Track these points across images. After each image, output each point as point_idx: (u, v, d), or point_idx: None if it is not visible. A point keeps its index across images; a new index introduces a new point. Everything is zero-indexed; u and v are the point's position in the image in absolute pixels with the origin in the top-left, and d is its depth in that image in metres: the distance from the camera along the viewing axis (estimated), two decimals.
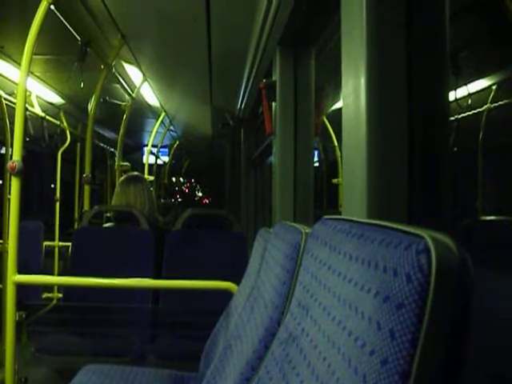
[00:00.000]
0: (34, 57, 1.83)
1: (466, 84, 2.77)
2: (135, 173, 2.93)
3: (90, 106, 3.08)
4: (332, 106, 3.23)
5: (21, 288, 1.81)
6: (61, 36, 2.44)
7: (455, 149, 3.70)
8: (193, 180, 12.43)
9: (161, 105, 4.54)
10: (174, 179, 11.12)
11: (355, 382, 0.48)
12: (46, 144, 4.09)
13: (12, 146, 1.84)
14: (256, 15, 1.98)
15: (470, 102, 2.91)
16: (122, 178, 2.79)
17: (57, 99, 3.99)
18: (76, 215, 4.66)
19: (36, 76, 3.39)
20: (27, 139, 3.56)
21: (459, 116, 3.40)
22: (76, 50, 2.51)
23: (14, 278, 1.76)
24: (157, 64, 3.26)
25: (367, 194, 0.87)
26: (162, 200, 2.90)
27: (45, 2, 1.82)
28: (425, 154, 0.91)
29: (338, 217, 0.76)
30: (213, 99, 3.83)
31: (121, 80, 3.47)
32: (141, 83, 3.51)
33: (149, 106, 4.56)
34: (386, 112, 0.89)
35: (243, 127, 4.19)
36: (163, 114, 4.89)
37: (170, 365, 1.92)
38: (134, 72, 3.37)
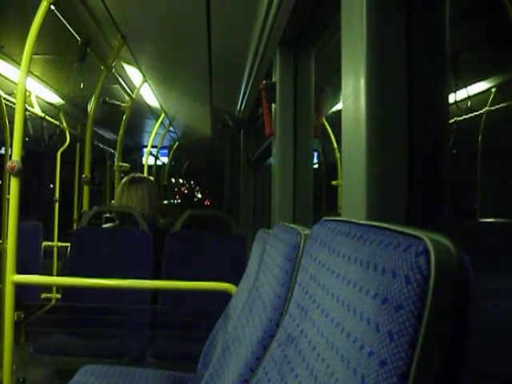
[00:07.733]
0: (33, 57, 1.83)
1: (465, 86, 2.78)
2: (138, 174, 2.94)
3: (90, 106, 3.07)
4: (332, 107, 3.23)
5: (19, 288, 1.81)
6: (61, 36, 2.44)
7: (454, 151, 3.71)
8: (192, 181, 12.42)
9: (161, 106, 4.54)
10: (173, 180, 11.10)
11: None
12: (46, 144, 4.08)
13: (11, 146, 1.84)
14: (256, 16, 1.98)
15: (469, 104, 2.92)
16: (125, 179, 2.80)
17: (56, 99, 3.98)
18: (75, 216, 4.66)
19: (36, 76, 3.39)
20: (26, 139, 3.55)
21: (459, 118, 3.41)
22: (76, 51, 2.51)
23: (12, 277, 1.76)
24: (157, 65, 3.26)
25: (366, 196, 0.87)
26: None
27: (45, 2, 1.82)
28: (424, 156, 0.91)
29: (337, 218, 0.76)
30: (213, 100, 3.82)
31: (121, 81, 3.47)
32: (141, 84, 3.51)
33: (149, 106, 4.56)
34: (386, 114, 0.88)
35: (243, 128, 4.19)
36: (163, 115, 4.89)
37: (169, 366, 1.92)
38: (133, 73, 3.37)
